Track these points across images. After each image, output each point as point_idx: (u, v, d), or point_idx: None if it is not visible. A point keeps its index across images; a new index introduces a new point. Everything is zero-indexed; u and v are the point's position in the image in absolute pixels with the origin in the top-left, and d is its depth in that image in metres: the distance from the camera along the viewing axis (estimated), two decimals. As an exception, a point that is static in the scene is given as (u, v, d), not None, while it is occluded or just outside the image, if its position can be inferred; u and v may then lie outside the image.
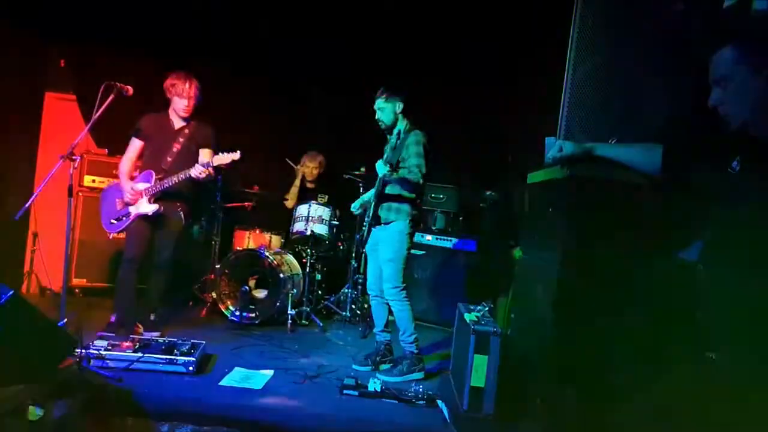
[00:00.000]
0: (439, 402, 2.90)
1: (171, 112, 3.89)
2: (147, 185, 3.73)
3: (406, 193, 3.49)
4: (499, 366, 2.46)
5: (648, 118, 2.59)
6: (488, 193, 5.24)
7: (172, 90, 3.81)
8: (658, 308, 2.16)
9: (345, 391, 3.05)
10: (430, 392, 3.03)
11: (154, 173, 3.75)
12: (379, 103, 3.59)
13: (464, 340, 2.63)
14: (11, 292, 2.28)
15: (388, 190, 3.53)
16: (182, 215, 3.90)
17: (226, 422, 2.76)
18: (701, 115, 1.88)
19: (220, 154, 3.67)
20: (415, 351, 3.50)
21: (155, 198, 3.75)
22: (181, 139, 3.86)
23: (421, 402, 2.96)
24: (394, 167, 3.40)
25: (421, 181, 3.41)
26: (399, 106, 3.57)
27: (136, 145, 3.89)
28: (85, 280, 4.84)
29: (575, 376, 2.31)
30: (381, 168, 3.41)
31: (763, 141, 1.58)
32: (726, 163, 1.64)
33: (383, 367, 3.59)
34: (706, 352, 1.65)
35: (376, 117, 3.62)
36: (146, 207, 3.72)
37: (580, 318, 2.34)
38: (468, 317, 2.68)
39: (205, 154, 3.87)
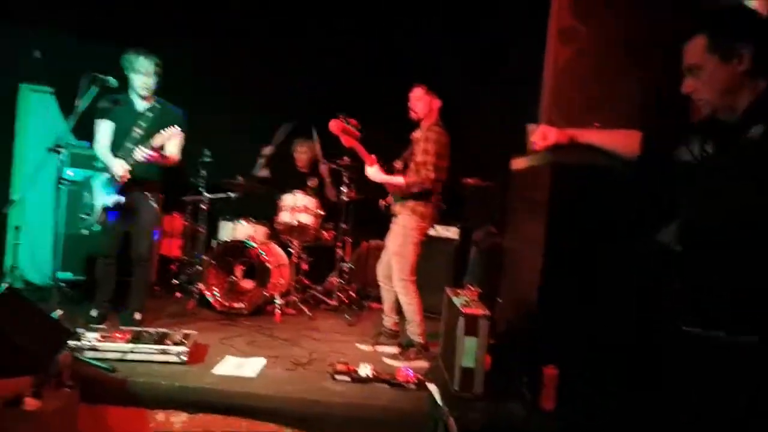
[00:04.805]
0: (429, 385, 2.98)
1: (131, 91, 3.72)
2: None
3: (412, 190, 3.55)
4: (487, 347, 2.56)
5: (625, 104, 2.68)
6: None
7: (128, 66, 3.61)
8: (639, 287, 2.26)
9: (336, 377, 3.11)
10: (420, 375, 3.12)
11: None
12: (418, 93, 3.65)
13: (453, 323, 2.71)
14: (5, 286, 2.29)
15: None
16: (154, 204, 3.77)
17: (222, 409, 2.81)
18: (675, 101, 1.97)
19: (161, 131, 3.47)
20: (422, 341, 3.61)
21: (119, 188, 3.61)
22: (141, 123, 3.65)
23: (412, 385, 3.05)
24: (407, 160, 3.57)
25: (422, 180, 3.46)
26: (436, 104, 3.63)
27: (104, 126, 3.68)
28: (70, 273, 4.80)
29: (558, 357, 2.41)
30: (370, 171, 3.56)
31: (730, 126, 1.66)
32: (700, 146, 1.73)
33: (387, 350, 3.73)
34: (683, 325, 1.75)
35: (410, 105, 3.67)
36: (106, 198, 3.62)
37: (564, 300, 2.44)
38: (457, 301, 2.76)
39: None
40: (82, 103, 3.30)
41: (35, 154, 4.87)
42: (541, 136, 2.42)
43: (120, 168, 3.53)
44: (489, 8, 4.88)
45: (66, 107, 5.04)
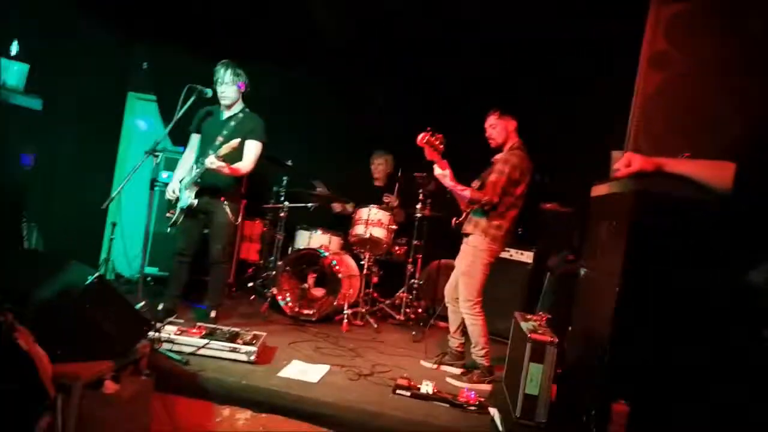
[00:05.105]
0: (491, 408, 2.92)
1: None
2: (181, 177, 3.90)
3: (479, 209, 3.51)
4: (554, 375, 2.47)
5: (721, 135, 2.54)
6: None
7: (214, 77, 3.84)
8: (721, 326, 2.12)
9: (398, 391, 3.11)
10: (482, 398, 3.06)
11: (194, 166, 3.86)
12: (492, 120, 3.64)
13: (520, 348, 2.65)
14: (97, 274, 2.47)
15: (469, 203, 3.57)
16: (227, 209, 3.91)
17: (285, 411, 2.88)
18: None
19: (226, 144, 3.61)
20: (486, 364, 3.55)
21: (195, 191, 3.84)
22: (224, 132, 3.85)
23: (473, 407, 2.99)
24: (484, 180, 3.52)
25: (486, 199, 3.42)
26: (512, 125, 3.62)
27: (192, 139, 4.02)
28: (157, 268, 5.11)
29: (630, 393, 2.29)
30: (438, 171, 3.48)
31: None
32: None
33: (451, 370, 3.70)
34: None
35: (487, 134, 3.66)
36: (184, 200, 3.86)
37: (639, 333, 2.32)
38: (524, 326, 2.69)
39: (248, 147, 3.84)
40: (179, 112, 3.51)
41: (137, 157, 5.25)
42: (626, 162, 2.34)
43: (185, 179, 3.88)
44: (578, 31, 4.76)
45: (167, 115, 5.42)
